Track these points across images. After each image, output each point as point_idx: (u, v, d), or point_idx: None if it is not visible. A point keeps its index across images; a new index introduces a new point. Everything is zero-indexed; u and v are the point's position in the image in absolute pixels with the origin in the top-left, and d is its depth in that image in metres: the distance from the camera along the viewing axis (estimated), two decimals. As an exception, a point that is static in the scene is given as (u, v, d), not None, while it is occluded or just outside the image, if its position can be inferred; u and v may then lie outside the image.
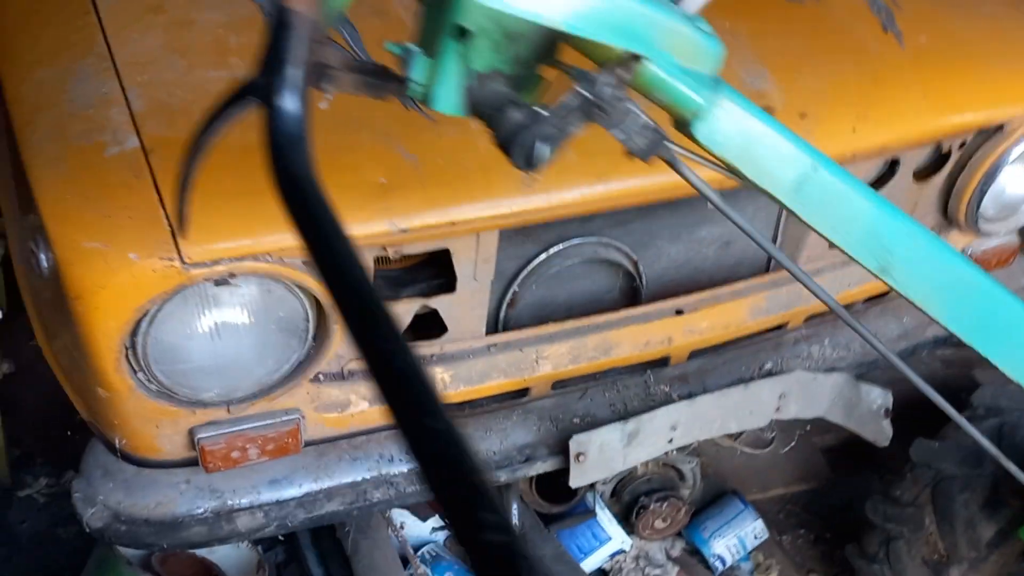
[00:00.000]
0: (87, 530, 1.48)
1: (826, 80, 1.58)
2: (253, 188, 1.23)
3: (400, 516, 2.11)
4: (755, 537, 2.30)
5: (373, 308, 0.55)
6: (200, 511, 1.47)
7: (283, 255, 1.25)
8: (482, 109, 0.77)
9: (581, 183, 1.37)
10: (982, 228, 1.90)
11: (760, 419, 1.76)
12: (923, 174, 1.83)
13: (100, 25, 1.41)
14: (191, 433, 1.42)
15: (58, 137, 1.25)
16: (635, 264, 1.69)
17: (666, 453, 1.74)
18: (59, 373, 1.50)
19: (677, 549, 2.33)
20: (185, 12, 1.45)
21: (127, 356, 1.26)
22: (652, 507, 2.17)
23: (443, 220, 1.30)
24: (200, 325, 1.30)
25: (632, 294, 1.73)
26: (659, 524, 2.21)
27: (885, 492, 1.84)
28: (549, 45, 0.77)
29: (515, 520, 2.09)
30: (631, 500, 2.23)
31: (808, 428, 2.54)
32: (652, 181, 1.41)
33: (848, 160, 1.56)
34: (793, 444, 2.56)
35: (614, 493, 2.25)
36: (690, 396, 1.72)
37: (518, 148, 0.73)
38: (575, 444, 1.56)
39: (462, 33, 0.74)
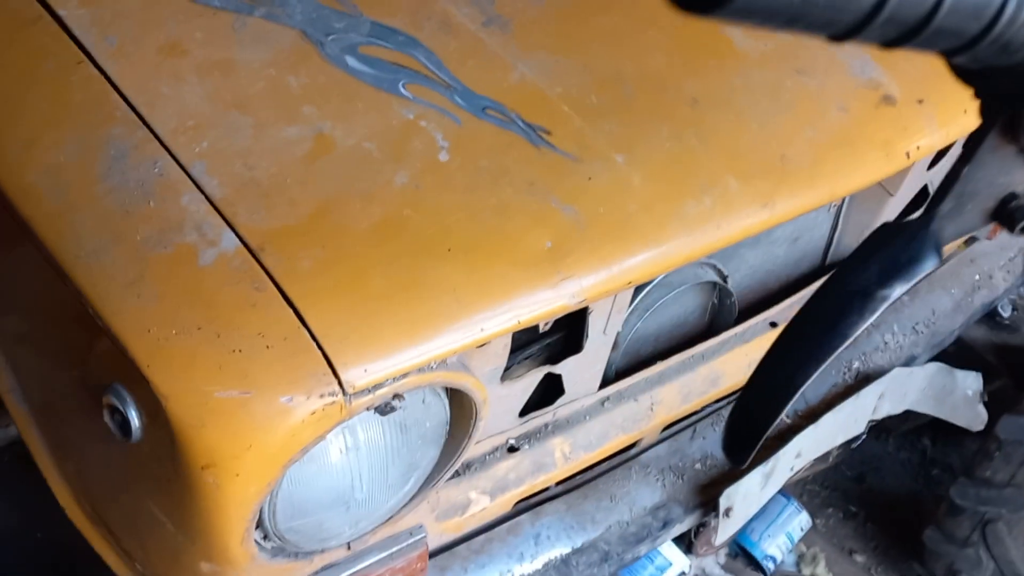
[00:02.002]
0: None
1: (929, 64, 1.45)
2: (402, 278, 0.96)
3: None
4: (801, 529, 2.23)
5: None
6: (317, 674, 1.17)
7: (445, 357, 0.97)
8: None
9: (746, 209, 1.17)
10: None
11: (860, 425, 1.65)
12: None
13: (107, 78, 1.05)
14: (302, 585, 1.12)
15: (121, 249, 0.91)
16: (725, 279, 1.52)
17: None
18: (113, 556, 1.14)
19: (722, 558, 2.22)
20: (213, 51, 1.11)
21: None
22: (712, 523, 2.03)
23: (619, 279, 1.06)
24: (333, 460, 1.01)
25: (724, 311, 1.56)
26: (715, 538, 2.08)
27: (970, 474, 1.79)
28: None
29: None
30: (682, 519, 2.08)
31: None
32: (814, 194, 1.23)
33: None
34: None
35: (662, 514, 2.10)
36: (795, 414, 1.58)
37: None
38: (725, 499, 1.39)
39: None
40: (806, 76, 1.36)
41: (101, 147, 0.99)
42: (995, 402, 1.78)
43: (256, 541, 1.00)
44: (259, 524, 0.99)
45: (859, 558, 2.30)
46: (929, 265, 0.57)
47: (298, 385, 0.86)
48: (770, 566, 2.19)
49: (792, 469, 1.55)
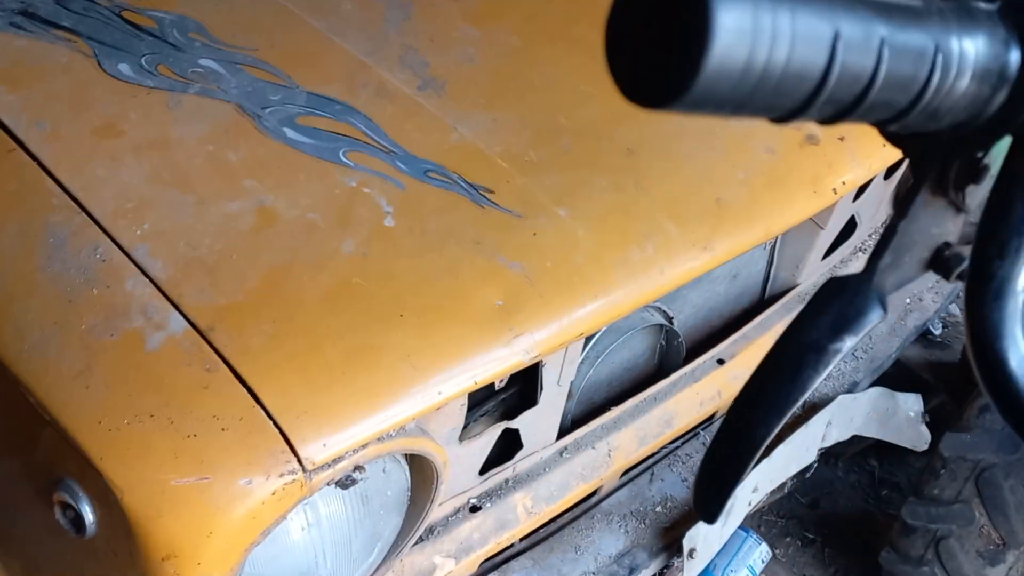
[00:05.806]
0: None
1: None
2: (356, 347, 0.95)
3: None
4: (762, 561, 2.23)
5: None
6: None
7: (404, 424, 0.96)
8: None
9: (687, 253, 1.20)
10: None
11: (812, 454, 1.68)
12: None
13: (40, 164, 1.03)
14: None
15: (65, 339, 0.89)
16: (671, 320, 1.55)
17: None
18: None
19: (687, 595, 2.22)
20: (149, 130, 1.10)
21: (220, 608, 0.93)
22: (676, 564, 2.03)
23: (571, 331, 1.08)
24: (295, 538, 0.99)
25: (672, 352, 1.58)
26: (679, 577, 2.08)
27: (919, 493, 1.83)
28: None
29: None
30: (644, 560, 2.08)
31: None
32: (750, 234, 1.27)
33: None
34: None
35: (624, 558, 2.09)
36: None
37: None
38: (688, 541, 1.39)
39: None
40: (733, 119, 1.41)
41: (39, 235, 0.97)
42: (936, 420, 1.83)
43: (221, 628, 0.97)
44: (223, 610, 0.96)
45: (820, 584, 2.33)
46: (875, 318, 0.59)
47: (257, 466, 0.85)
48: (735, 600, 2.20)
49: (750, 503, 1.57)
